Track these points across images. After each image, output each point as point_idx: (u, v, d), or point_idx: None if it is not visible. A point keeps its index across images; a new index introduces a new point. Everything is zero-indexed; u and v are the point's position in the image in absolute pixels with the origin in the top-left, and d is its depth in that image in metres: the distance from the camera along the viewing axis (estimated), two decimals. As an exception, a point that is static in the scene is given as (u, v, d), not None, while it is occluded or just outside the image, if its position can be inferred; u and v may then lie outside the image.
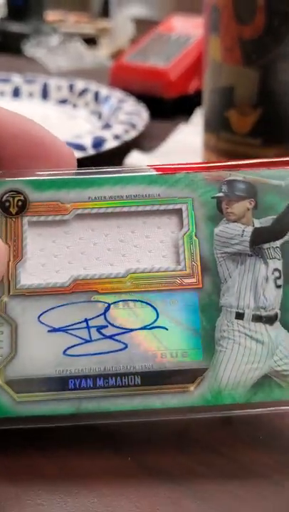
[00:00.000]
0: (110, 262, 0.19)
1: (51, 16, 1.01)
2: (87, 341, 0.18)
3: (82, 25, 1.02)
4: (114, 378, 0.18)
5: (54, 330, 0.18)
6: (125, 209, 0.20)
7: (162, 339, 0.18)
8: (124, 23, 0.91)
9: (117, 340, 0.18)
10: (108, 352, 0.18)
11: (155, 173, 0.20)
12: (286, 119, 0.32)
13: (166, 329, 0.18)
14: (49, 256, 0.19)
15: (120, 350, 0.18)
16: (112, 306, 0.19)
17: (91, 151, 0.39)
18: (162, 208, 0.20)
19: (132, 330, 0.18)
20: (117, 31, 0.91)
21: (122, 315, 0.19)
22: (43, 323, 0.18)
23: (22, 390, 0.18)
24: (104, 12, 1.24)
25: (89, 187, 0.20)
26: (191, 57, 0.54)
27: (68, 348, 0.18)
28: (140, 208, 0.20)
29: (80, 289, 0.19)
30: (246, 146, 0.34)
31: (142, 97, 0.53)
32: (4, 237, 0.19)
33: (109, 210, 0.20)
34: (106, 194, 0.20)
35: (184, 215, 0.19)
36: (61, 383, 0.18)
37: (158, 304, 0.19)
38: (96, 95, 0.55)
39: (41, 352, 0.18)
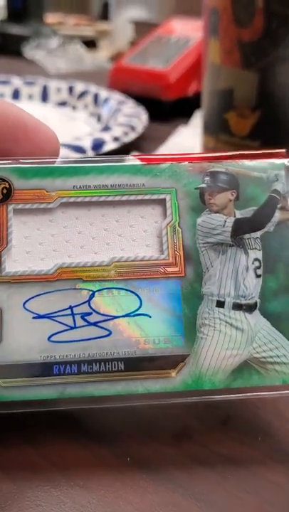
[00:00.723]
0: (95, 251, 0.20)
1: (51, 18, 1.01)
2: (71, 328, 0.19)
3: (81, 27, 1.03)
4: (98, 364, 0.18)
5: (39, 316, 0.19)
6: (110, 198, 0.20)
7: (145, 326, 0.19)
8: (123, 25, 0.91)
9: (101, 327, 0.19)
10: (92, 338, 0.19)
11: (140, 163, 0.20)
12: (285, 121, 0.33)
13: (149, 316, 0.19)
14: (34, 244, 0.20)
15: (104, 336, 0.19)
16: (96, 293, 0.19)
17: (90, 153, 0.39)
18: (146, 197, 0.20)
19: (115, 317, 0.19)
20: (117, 34, 0.92)
21: (106, 302, 0.19)
22: (28, 310, 0.19)
23: (7, 376, 0.18)
24: (104, 14, 1.24)
25: (74, 175, 0.20)
26: (190, 60, 0.55)
27: (53, 334, 0.18)
28: (125, 198, 0.20)
29: (65, 276, 0.19)
30: (245, 148, 0.34)
31: (141, 99, 0.53)
32: (-11, 225, 0.19)
33: (94, 199, 0.20)
34: (91, 183, 0.20)
35: (168, 205, 0.20)
36: (46, 369, 0.18)
37: (141, 292, 0.19)
38: (95, 97, 0.56)
39: (26, 338, 0.18)
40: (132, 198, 0.20)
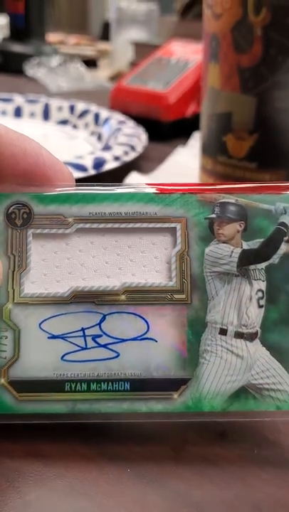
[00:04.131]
0: (107, 275, 0.21)
1: (52, 37, 1.01)
2: (83, 348, 0.20)
3: (82, 47, 1.03)
4: (106, 383, 0.20)
5: (53, 337, 0.20)
6: (123, 225, 0.21)
7: (151, 350, 0.20)
8: (123, 46, 0.92)
9: (110, 349, 0.20)
10: (102, 359, 0.20)
11: (153, 192, 0.21)
12: (281, 144, 0.34)
13: (156, 341, 0.20)
14: (51, 266, 0.21)
15: (113, 358, 0.20)
16: (107, 316, 0.20)
17: (92, 172, 0.40)
18: (158, 225, 0.21)
19: (124, 340, 0.20)
20: (117, 54, 0.92)
21: (116, 326, 0.20)
22: (44, 330, 0.20)
23: (23, 390, 0.20)
24: (105, 35, 1.23)
25: (90, 202, 0.21)
26: (189, 82, 0.56)
27: (66, 354, 0.20)
28: (137, 225, 0.21)
29: (79, 299, 0.20)
30: (242, 169, 0.35)
31: (140, 119, 0.54)
32: (10, 248, 0.21)
33: (109, 225, 0.21)
34: (106, 210, 0.21)
35: (178, 233, 0.21)
36: (59, 385, 0.20)
37: (149, 317, 0.20)
38: (96, 117, 0.56)
39: (41, 356, 0.20)
40: (145, 225, 0.21)
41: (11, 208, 0.21)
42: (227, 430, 0.22)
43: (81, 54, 0.96)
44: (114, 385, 0.20)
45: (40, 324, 0.20)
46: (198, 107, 0.41)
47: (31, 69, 0.84)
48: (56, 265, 0.21)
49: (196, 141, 0.52)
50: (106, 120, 0.54)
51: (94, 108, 0.58)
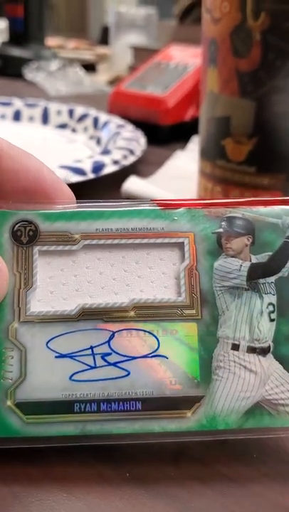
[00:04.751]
0: (115, 291, 0.21)
1: (51, 41, 1.03)
2: (92, 367, 0.20)
3: (81, 51, 1.04)
4: (116, 403, 0.19)
5: (61, 356, 0.20)
6: (130, 241, 0.21)
7: (163, 367, 0.20)
8: (122, 50, 0.93)
9: (120, 368, 0.20)
10: (112, 378, 0.19)
11: (159, 207, 0.21)
12: (280, 148, 0.34)
13: (167, 358, 0.20)
14: (57, 284, 0.21)
15: (123, 376, 0.19)
16: (116, 334, 0.20)
17: (91, 176, 0.40)
18: (165, 241, 0.21)
19: (134, 358, 0.20)
20: (116, 58, 0.93)
21: (125, 343, 0.20)
22: (51, 349, 0.20)
23: (30, 412, 0.19)
24: (104, 39, 1.25)
25: (97, 219, 0.21)
26: (188, 86, 0.56)
27: (74, 373, 0.19)
28: (145, 241, 0.21)
29: (87, 317, 0.20)
30: (241, 173, 0.35)
31: (139, 123, 0.54)
32: (16, 265, 0.20)
33: (116, 241, 0.21)
34: (113, 226, 0.21)
35: (186, 248, 0.21)
36: (67, 406, 0.19)
37: (159, 334, 0.20)
38: (95, 121, 0.57)
39: (49, 376, 0.19)
40: (152, 241, 0.21)
41: (17, 226, 0.20)
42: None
43: (80, 58, 0.97)
44: (125, 405, 0.19)
45: (47, 343, 0.20)
46: (197, 111, 0.40)
47: (30, 73, 0.84)
48: (63, 283, 0.21)
49: (194, 145, 0.52)
50: (105, 124, 0.55)
51: (93, 112, 0.58)
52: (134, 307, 0.20)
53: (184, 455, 0.20)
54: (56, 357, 0.20)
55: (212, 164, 0.36)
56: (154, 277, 0.21)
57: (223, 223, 0.21)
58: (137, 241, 0.21)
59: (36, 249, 0.20)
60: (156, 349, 0.20)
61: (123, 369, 0.20)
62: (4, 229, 0.20)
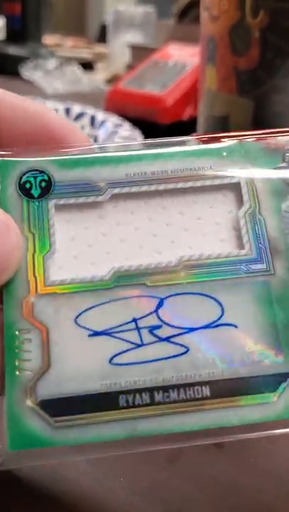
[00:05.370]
0: (157, 250, 0.16)
1: (49, 39, 1.02)
2: (138, 346, 0.15)
3: (79, 49, 1.04)
4: (176, 391, 0.14)
5: (96, 333, 0.15)
6: (171, 186, 0.16)
7: (232, 339, 0.15)
8: (120, 49, 0.93)
9: (175, 343, 0.15)
10: (166, 358, 0.14)
11: (203, 145, 0.17)
12: None
13: (236, 326, 0.15)
14: (82, 246, 0.16)
15: (181, 354, 0.14)
16: (165, 301, 0.15)
17: None
18: (216, 183, 0.16)
19: (193, 329, 0.15)
20: (114, 57, 0.93)
21: (179, 312, 0.15)
22: (82, 326, 0.15)
23: (59, 413, 0.14)
24: (102, 37, 1.26)
25: (127, 162, 0.16)
26: (186, 85, 0.56)
27: (115, 355, 0.14)
28: (189, 185, 0.16)
29: (124, 282, 0.15)
30: None
31: (137, 121, 0.54)
32: (27, 225, 0.16)
33: (152, 187, 0.16)
34: (147, 169, 0.16)
35: (244, 190, 0.16)
36: (109, 401, 0.14)
37: (222, 297, 0.15)
38: (92, 119, 0.55)
39: (82, 362, 0.14)
40: (198, 184, 0.16)
41: (25, 177, 0.16)
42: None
43: (78, 57, 0.96)
44: (188, 392, 0.14)
45: (75, 319, 0.15)
46: (195, 111, 0.40)
47: (27, 71, 0.83)
48: (89, 244, 0.16)
49: None
50: (102, 123, 0.53)
51: (90, 111, 0.56)
52: (185, 266, 0.15)
53: (179, 459, 0.18)
54: (90, 335, 0.15)
55: None
56: (205, 229, 0.16)
57: (286, 157, 0.16)
58: (179, 185, 0.16)
59: (52, 203, 0.16)
60: (221, 316, 0.15)
61: (180, 344, 0.15)
62: (8, 181, 0.16)
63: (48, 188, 0.16)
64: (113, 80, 0.83)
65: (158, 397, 0.14)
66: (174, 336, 0.15)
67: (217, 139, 0.17)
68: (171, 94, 0.54)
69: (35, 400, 0.14)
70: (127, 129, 0.49)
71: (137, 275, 0.15)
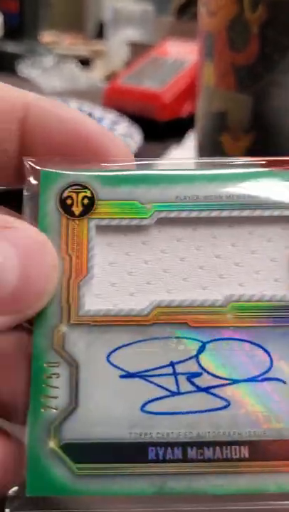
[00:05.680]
0: (203, 285, 0.14)
1: (46, 36, 1.03)
2: (173, 394, 0.13)
3: (76, 46, 1.04)
4: (211, 448, 0.13)
5: (129, 375, 0.13)
6: (224, 214, 0.15)
7: (278, 396, 0.13)
8: (118, 45, 0.92)
9: (215, 395, 0.13)
10: (204, 411, 0.13)
11: (265, 169, 0.15)
12: (278, 143, 0.32)
13: (284, 382, 0.13)
14: (121, 273, 0.15)
15: (220, 408, 0.13)
16: (207, 346, 0.14)
17: None
18: (275, 213, 0.15)
19: (236, 381, 0.13)
20: (112, 54, 0.93)
21: (222, 360, 0.14)
22: (114, 365, 0.13)
23: (83, 459, 0.13)
24: (99, 34, 1.25)
25: (177, 183, 0.15)
26: (184, 82, 0.56)
27: (148, 402, 0.13)
28: (245, 213, 0.15)
29: (164, 319, 0.14)
30: None
31: (135, 118, 0.53)
32: (65, 246, 0.14)
33: (203, 214, 0.15)
34: (199, 193, 0.15)
35: (306, 225, 0.14)
36: (138, 452, 0.13)
37: (272, 347, 0.14)
38: (90, 116, 0.53)
39: (111, 406, 0.13)
40: (256, 213, 0.15)
41: (67, 191, 0.15)
42: None
43: (75, 54, 0.96)
44: (225, 452, 0.13)
45: (108, 356, 0.14)
46: (194, 107, 0.40)
47: (25, 69, 0.83)
48: (129, 271, 0.15)
49: (190, 141, 0.51)
50: (100, 120, 0.52)
51: (87, 107, 0.55)
52: (232, 307, 0.14)
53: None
54: (122, 377, 0.13)
55: None
56: (259, 266, 0.15)
57: None
58: (234, 214, 0.15)
59: (93, 223, 0.15)
60: (269, 369, 0.13)
61: (220, 397, 0.13)
62: (49, 195, 0.15)
63: (90, 206, 0.15)
64: (111, 77, 0.82)
65: (191, 453, 0.13)
66: (215, 386, 0.13)
67: (281, 163, 0.15)
68: (170, 91, 0.54)
69: (58, 442, 0.13)
70: (124, 126, 0.49)
71: (178, 313, 0.14)
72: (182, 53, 0.60)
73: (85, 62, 0.93)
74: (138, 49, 0.82)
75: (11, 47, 0.88)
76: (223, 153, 0.34)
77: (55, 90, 0.76)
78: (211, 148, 0.35)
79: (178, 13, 0.97)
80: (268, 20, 0.30)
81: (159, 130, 0.55)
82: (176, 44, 0.63)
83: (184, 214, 0.15)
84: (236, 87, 0.32)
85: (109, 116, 0.52)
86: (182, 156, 0.48)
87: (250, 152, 0.33)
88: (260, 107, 0.32)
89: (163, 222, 0.15)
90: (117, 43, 0.93)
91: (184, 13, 0.95)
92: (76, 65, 0.84)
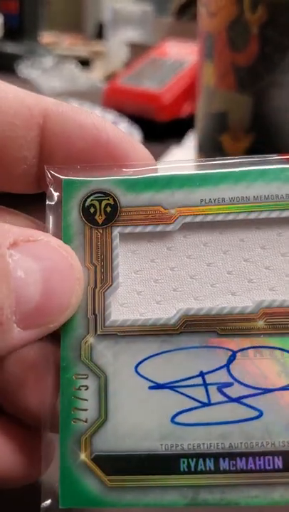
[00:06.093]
0: (232, 291, 0.14)
1: (46, 37, 1.02)
2: (204, 405, 0.13)
3: (76, 47, 1.04)
4: (244, 459, 0.13)
5: (158, 386, 0.13)
6: (252, 216, 0.14)
7: (313, 405, 0.13)
8: (118, 46, 0.90)
9: (247, 405, 0.13)
10: (235, 421, 0.13)
11: (292, 165, 0.14)
12: (278, 144, 0.32)
13: None
14: (147, 280, 0.14)
15: (252, 419, 0.13)
16: (238, 354, 0.13)
17: None
18: (305, 214, 0.14)
19: (269, 390, 0.13)
20: (111, 54, 0.93)
21: (254, 368, 0.13)
22: (143, 376, 0.13)
23: (115, 471, 0.13)
24: (99, 35, 1.24)
25: (201, 186, 0.14)
26: (184, 82, 0.55)
27: (178, 413, 0.13)
28: (274, 215, 0.14)
29: (192, 328, 0.14)
30: None
31: (134, 118, 0.53)
32: (89, 256, 0.14)
33: (230, 217, 0.14)
34: (225, 195, 0.14)
35: None
36: (169, 464, 0.13)
37: None
38: None
39: (141, 417, 0.13)
40: (285, 214, 0.14)
41: (89, 200, 0.14)
42: None
43: (75, 54, 0.96)
44: (258, 462, 0.13)
45: (136, 367, 0.13)
46: (193, 108, 0.40)
47: (24, 69, 0.83)
48: (155, 279, 0.14)
49: (190, 141, 0.50)
50: None
51: (87, 108, 0.54)
52: (263, 314, 0.13)
53: None
54: (150, 388, 0.13)
55: None
56: (289, 269, 0.14)
57: None
58: (263, 215, 0.14)
59: (117, 231, 0.14)
60: (302, 377, 0.13)
61: (252, 407, 0.13)
62: (72, 204, 0.14)
63: (113, 214, 0.14)
64: (110, 77, 0.82)
65: (223, 464, 0.13)
66: (247, 396, 0.13)
67: (310, 160, 0.14)
68: (169, 92, 0.54)
69: (89, 454, 0.13)
70: (124, 127, 0.48)
71: (206, 321, 0.14)
72: (182, 54, 0.60)
73: (84, 63, 0.93)
74: (137, 49, 0.82)
75: (10, 47, 0.88)
76: (223, 154, 0.34)
77: (54, 91, 0.76)
78: (211, 148, 0.35)
79: (177, 14, 0.97)
80: (268, 21, 0.30)
81: (159, 131, 0.55)
82: (176, 45, 0.63)
83: (209, 218, 0.14)
84: (236, 87, 0.32)
85: (109, 117, 0.52)
86: (185, 157, 0.47)
87: (251, 152, 0.32)
88: (260, 107, 0.32)
89: (188, 227, 0.14)
90: (117, 44, 0.94)
91: (184, 14, 0.95)
92: (76, 66, 0.85)
